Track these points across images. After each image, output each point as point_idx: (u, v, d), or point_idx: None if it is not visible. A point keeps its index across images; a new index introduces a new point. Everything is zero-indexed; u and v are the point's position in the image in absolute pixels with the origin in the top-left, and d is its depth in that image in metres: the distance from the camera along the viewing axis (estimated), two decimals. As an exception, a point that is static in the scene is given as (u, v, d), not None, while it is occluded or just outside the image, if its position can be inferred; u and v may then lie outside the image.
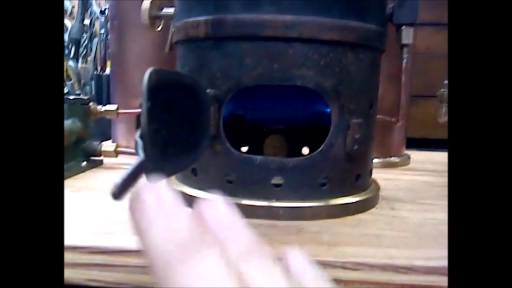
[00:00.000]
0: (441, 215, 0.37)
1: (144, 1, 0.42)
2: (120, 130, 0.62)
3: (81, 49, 1.28)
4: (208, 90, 0.33)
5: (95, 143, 0.51)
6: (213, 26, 0.33)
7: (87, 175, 0.49)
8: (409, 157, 0.66)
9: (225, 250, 0.15)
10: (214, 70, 0.34)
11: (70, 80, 0.88)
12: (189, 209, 0.16)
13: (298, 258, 0.17)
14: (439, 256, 0.28)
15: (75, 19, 1.26)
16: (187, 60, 0.36)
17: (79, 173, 0.48)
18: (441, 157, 0.72)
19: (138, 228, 0.16)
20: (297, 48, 0.32)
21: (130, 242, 0.28)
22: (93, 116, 0.53)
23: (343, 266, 0.27)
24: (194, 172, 0.37)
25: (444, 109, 0.52)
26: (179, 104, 0.30)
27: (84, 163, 0.50)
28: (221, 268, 0.14)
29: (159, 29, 0.45)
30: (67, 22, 1.41)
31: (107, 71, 1.16)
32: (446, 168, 0.64)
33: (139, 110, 0.25)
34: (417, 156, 0.72)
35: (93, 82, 1.11)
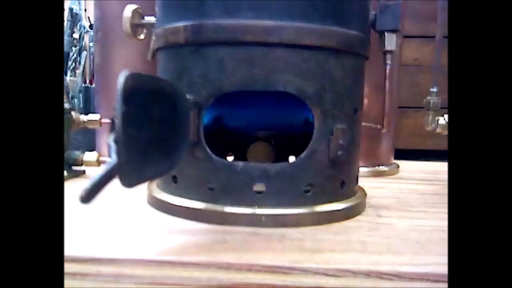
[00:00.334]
0: (429, 222, 0.37)
1: (125, 10, 0.42)
2: (104, 140, 0.61)
3: (70, 63, 1.27)
4: (187, 96, 0.33)
5: (77, 152, 0.50)
6: (193, 31, 0.33)
7: (67, 185, 0.47)
8: (397, 166, 0.66)
9: None
10: (194, 76, 0.33)
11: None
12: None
13: None
14: (425, 263, 0.27)
15: (64, 33, 1.25)
16: (167, 66, 0.36)
17: (60, 184, 0.47)
18: (430, 167, 0.72)
19: None
20: (278, 53, 0.32)
21: (103, 250, 0.27)
22: (76, 126, 0.52)
23: (325, 273, 0.26)
24: (175, 179, 0.36)
25: (431, 117, 0.51)
26: (157, 109, 0.29)
27: (65, 173, 0.48)
28: None
29: (141, 37, 0.45)
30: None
31: (95, 84, 1.16)
32: (435, 176, 0.64)
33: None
34: (406, 165, 0.71)
35: (81, 95, 1.10)
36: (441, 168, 0.70)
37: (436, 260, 0.28)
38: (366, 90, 0.59)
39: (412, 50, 1.18)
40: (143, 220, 0.34)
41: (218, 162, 0.34)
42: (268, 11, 0.32)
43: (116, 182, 0.50)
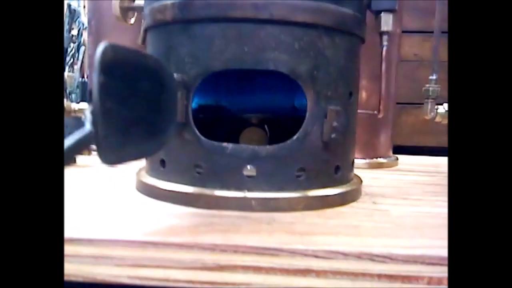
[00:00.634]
0: (426, 209, 0.36)
1: (115, -7, 0.41)
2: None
3: (68, 58, 1.27)
4: (175, 75, 0.32)
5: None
6: (181, 8, 0.32)
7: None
8: (396, 159, 0.65)
9: None
10: (182, 55, 0.32)
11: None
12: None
13: None
14: (420, 245, 0.26)
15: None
16: (154, 46, 0.35)
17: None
18: (430, 161, 0.71)
19: None
20: (269, 31, 0.31)
21: (82, 231, 0.26)
22: (67, 114, 0.51)
23: (315, 255, 0.25)
24: (163, 163, 0.35)
25: (430, 105, 0.50)
26: (141, 87, 0.28)
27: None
28: None
29: (131, 22, 0.44)
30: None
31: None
32: (435, 169, 0.62)
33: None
34: (405, 159, 0.70)
35: (78, 90, 1.09)
36: (442, 162, 0.68)
37: (432, 243, 0.26)
38: (363, 82, 0.59)
39: (412, 45, 1.17)
40: (128, 204, 0.33)
41: (207, 144, 0.32)
42: (259, -13, 0.31)
43: (104, 170, 0.49)
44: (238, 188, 0.32)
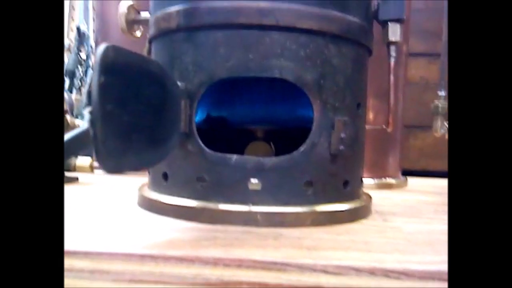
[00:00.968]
0: (439, 227, 0.34)
1: (120, 6, 0.41)
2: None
3: (76, 82, 1.28)
4: (179, 83, 0.31)
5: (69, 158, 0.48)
6: (185, 15, 0.31)
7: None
8: (406, 179, 0.63)
9: None
10: (186, 63, 0.32)
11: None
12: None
13: None
14: (437, 261, 0.24)
15: (71, 52, 1.27)
16: (159, 55, 0.34)
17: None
18: (441, 183, 0.69)
19: None
20: (274, 37, 0.30)
21: (78, 243, 0.25)
22: (69, 129, 0.50)
23: (324, 270, 0.23)
24: (165, 177, 0.33)
25: (439, 122, 0.49)
26: (144, 93, 0.27)
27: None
28: None
29: (138, 34, 0.44)
30: (64, 56, 1.42)
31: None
32: (446, 191, 0.60)
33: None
34: (415, 180, 0.68)
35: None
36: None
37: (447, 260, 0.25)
38: (370, 100, 0.58)
39: (418, 68, 1.17)
40: (127, 219, 0.32)
41: (210, 155, 0.31)
42: (264, -5, 0.30)
43: (106, 187, 0.48)
44: (243, 202, 0.30)
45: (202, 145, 0.31)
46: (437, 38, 1.11)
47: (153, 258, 0.24)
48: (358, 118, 0.35)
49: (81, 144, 0.21)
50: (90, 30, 1.31)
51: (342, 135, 0.32)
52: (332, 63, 0.32)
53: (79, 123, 0.53)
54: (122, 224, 0.30)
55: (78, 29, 1.21)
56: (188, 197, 0.32)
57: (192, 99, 0.31)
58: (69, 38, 1.47)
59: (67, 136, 0.20)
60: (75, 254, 0.24)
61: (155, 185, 0.35)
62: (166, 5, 0.33)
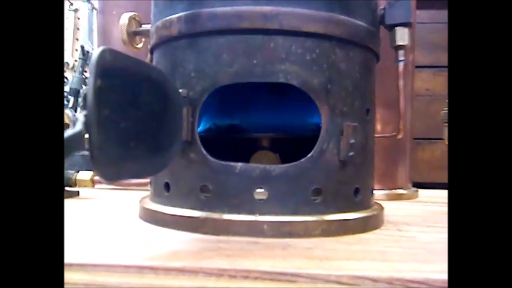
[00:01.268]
0: (457, 236, 0.32)
1: (121, 17, 0.41)
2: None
3: (80, 100, 1.28)
4: (180, 90, 0.30)
5: (70, 171, 0.47)
6: (187, 22, 0.30)
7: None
8: (416, 190, 0.61)
9: None
10: (188, 70, 0.31)
11: (68, 127, 0.87)
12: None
13: None
14: (458, 270, 0.23)
15: (76, 71, 1.27)
16: (160, 64, 0.33)
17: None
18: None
19: None
20: (279, 42, 0.29)
21: (72, 255, 0.24)
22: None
23: (339, 281, 0.21)
24: (167, 187, 0.32)
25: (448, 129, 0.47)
26: (143, 98, 0.26)
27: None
28: None
29: (139, 46, 0.43)
30: (69, 75, 1.43)
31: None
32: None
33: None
34: (425, 192, 0.66)
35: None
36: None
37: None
38: (379, 111, 0.56)
39: (424, 80, 1.16)
40: (127, 231, 0.30)
41: (214, 164, 0.30)
42: (267, -3, 0.29)
43: (107, 201, 0.46)
44: (249, 211, 0.29)
45: (205, 153, 0.30)
46: (441, 50, 1.11)
47: (152, 269, 0.22)
48: (368, 124, 0.33)
49: (70, 147, 0.20)
50: (95, 49, 1.32)
51: (352, 140, 0.31)
52: (339, 67, 0.31)
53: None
54: (121, 236, 0.29)
55: (83, 48, 1.22)
56: (191, 208, 0.30)
57: (195, 107, 0.30)
58: (74, 58, 1.48)
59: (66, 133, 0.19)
60: (69, 266, 0.22)
61: (156, 196, 0.34)
62: (167, 14, 0.32)
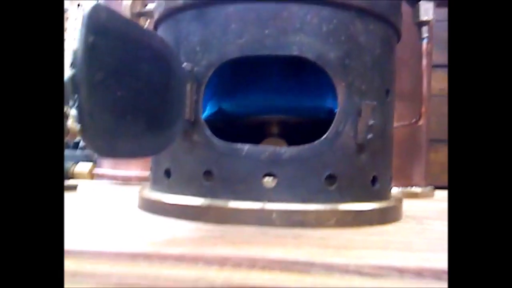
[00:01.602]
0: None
1: (125, -2, 0.38)
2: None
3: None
4: (184, 64, 0.27)
5: (68, 164, 0.44)
6: (193, -11, 0.28)
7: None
8: (433, 189, 0.58)
9: None
10: (194, 43, 0.28)
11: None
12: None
13: None
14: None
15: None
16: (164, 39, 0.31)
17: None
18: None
19: None
20: (293, 10, 0.27)
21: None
22: (71, 137, 0.47)
23: (359, 271, 0.18)
24: (168, 173, 0.29)
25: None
26: (143, 68, 0.23)
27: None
28: None
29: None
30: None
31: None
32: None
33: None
34: (442, 192, 0.63)
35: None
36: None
37: None
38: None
39: (438, 80, 1.12)
40: (123, 219, 0.28)
41: (219, 146, 0.27)
42: (281, -36, 0.27)
43: (106, 193, 0.44)
44: (256, 199, 0.26)
45: (210, 134, 0.28)
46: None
47: (146, 257, 0.19)
48: (387, 106, 0.30)
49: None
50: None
51: (370, 122, 0.28)
52: (358, 40, 0.28)
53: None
54: (115, 224, 0.26)
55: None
56: (194, 195, 0.28)
57: (199, 83, 0.28)
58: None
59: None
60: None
61: (156, 184, 0.31)
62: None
